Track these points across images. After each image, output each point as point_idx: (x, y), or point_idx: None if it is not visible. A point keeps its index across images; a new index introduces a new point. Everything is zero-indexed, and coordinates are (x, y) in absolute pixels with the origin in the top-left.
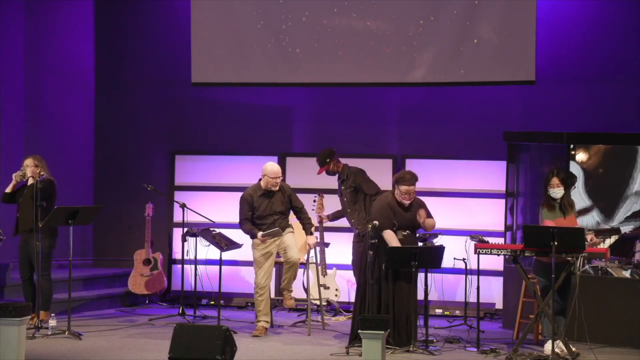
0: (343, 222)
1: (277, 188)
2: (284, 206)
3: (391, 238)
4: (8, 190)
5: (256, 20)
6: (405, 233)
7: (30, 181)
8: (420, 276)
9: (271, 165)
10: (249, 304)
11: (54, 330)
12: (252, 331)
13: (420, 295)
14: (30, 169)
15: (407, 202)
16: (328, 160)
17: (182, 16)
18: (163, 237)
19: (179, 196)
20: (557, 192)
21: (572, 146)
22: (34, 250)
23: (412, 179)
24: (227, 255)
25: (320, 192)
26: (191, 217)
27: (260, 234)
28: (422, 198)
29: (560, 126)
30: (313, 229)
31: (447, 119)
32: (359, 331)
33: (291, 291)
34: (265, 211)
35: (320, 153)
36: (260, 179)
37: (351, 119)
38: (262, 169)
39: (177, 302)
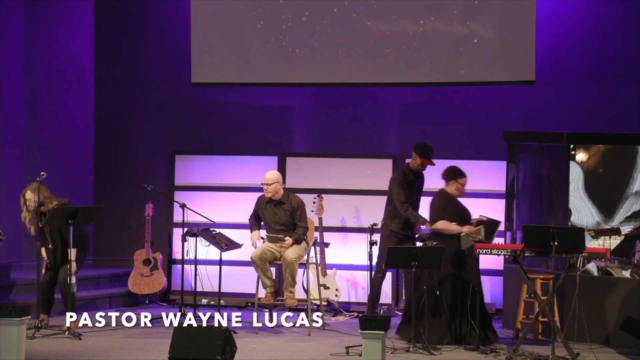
0: (342, 222)
1: (270, 195)
2: (286, 218)
3: (449, 226)
4: (33, 232)
5: (256, 20)
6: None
7: (43, 208)
8: None
9: (267, 172)
10: (249, 304)
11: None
12: (254, 330)
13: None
14: (31, 202)
15: (464, 194)
16: None
17: (182, 16)
18: (163, 237)
19: (179, 196)
20: None
21: (572, 146)
22: (66, 281)
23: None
24: (227, 255)
25: (320, 192)
26: (191, 217)
27: (258, 236)
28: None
29: (560, 126)
30: (299, 239)
31: (447, 119)
32: (359, 331)
33: (292, 291)
34: (268, 218)
35: (430, 147)
36: None
37: (351, 119)
38: (263, 170)
39: (176, 302)
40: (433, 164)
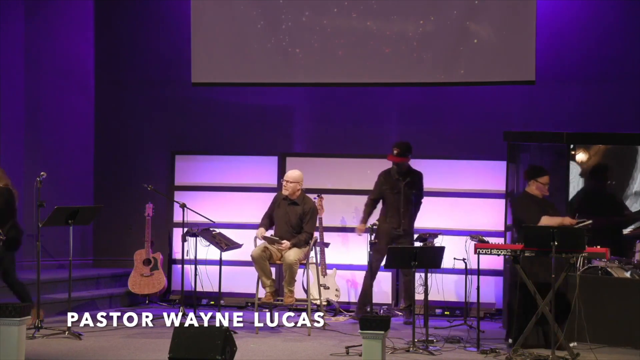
0: (342, 222)
1: (287, 192)
2: (295, 220)
3: (551, 221)
4: None
5: (256, 20)
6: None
7: None
8: (420, 276)
9: (290, 170)
10: (249, 304)
11: None
12: (254, 330)
13: (421, 296)
14: None
15: (547, 194)
16: (409, 155)
17: (182, 16)
18: (163, 237)
19: (179, 196)
20: None
21: (572, 146)
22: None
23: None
24: (227, 255)
25: (320, 192)
26: (191, 217)
27: (262, 233)
28: (423, 198)
29: (560, 126)
30: (298, 243)
31: (447, 119)
32: (359, 331)
33: (291, 290)
34: (279, 216)
35: (403, 143)
36: None
37: (351, 119)
38: (263, 170)
39: (176, 302)
40: (393, 160)
